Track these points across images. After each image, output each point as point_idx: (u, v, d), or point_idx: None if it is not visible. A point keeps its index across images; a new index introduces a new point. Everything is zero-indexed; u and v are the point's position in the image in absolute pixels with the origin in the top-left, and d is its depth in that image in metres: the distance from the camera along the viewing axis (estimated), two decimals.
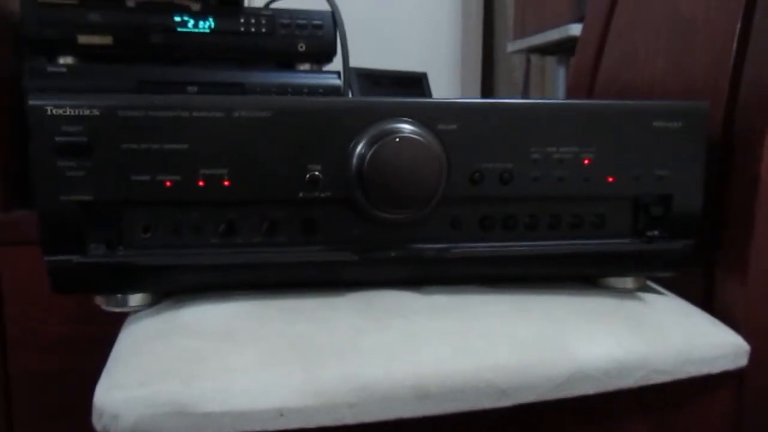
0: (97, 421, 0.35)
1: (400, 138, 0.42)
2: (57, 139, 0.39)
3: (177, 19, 0.80)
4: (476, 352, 0.40)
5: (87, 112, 0.40)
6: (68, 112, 0.40)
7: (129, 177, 0.41)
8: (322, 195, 0.43)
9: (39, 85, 0.75)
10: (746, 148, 0.48)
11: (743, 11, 0.51)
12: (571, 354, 0.41)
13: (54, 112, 0.39)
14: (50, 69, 0.76)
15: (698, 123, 0.47)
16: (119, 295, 0.44)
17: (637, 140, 0.46)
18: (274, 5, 0.93)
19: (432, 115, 0.44)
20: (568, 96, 0.80)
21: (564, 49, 1.43)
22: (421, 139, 0.43)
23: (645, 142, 0.46)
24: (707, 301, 0.51)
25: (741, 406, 0.48)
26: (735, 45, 0.51)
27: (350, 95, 0.92)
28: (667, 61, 0.60)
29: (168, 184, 0.42)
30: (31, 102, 0.39)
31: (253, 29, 0.83)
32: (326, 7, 0.87)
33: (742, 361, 0.46)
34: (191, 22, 0.81)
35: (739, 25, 0.51)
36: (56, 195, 0.40)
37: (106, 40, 0.78)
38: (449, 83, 1.75)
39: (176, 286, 0.46)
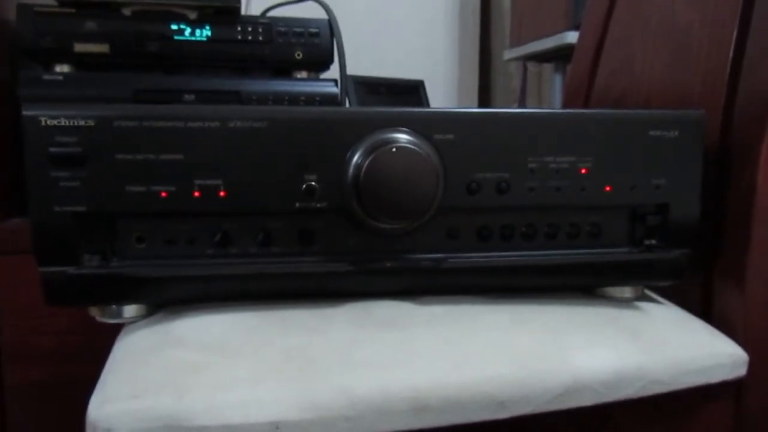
0: None
1: (396, 148, 0.42)
2: (51, 149, 0.39)
3: (174, 27, 0.80)
4: (473, 364, 0.40)
5: (81, 123, 0.39)
6: (62, 123, 0.39)
7: (124, 188, 0.41)
8: (318, 205, 0.43)
9: (34, 94, 0.74)
10: (743, 157, 0.48)
11: (739, 19, 0.51)
12: (569, 365, 0.41)
13: (48, 122, 0.39)
14: (46, 77, 0.76)
15: (695, 132, 0.47)
16: (114, 306, 0.44)
17: (634, 150, 0.46)
18: (270, 13, 0.93)
19: (428, 125, 0.44)
20: (565, 104, 0.80)
21: (561, 56, 1.43)
22: (418, 149, 0.42)
23: (642, 151, 0.46)
24: (706, 310, 0.50)
25: (740, 416, 0.47)
26: (731, 53, 0.51)
27: (347, 103, 0.91)
28: (664, 69, 0.60)
29: (163, 194, 0.41)
30: (24, 112, 0.39)
31: (249, 37, 0.83)
32: (323, 15, 0.87)
33: (741, 371, 0.45)
34: (188, 31, 0.81)
35: (735, 33, 0.51)
36: (50, 206, 0.40)
37: (103, 48, 0.78)
38: (446, 91, 1.75)
39: (171, 298, 0.46)
